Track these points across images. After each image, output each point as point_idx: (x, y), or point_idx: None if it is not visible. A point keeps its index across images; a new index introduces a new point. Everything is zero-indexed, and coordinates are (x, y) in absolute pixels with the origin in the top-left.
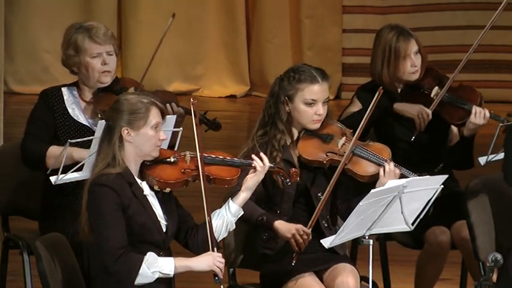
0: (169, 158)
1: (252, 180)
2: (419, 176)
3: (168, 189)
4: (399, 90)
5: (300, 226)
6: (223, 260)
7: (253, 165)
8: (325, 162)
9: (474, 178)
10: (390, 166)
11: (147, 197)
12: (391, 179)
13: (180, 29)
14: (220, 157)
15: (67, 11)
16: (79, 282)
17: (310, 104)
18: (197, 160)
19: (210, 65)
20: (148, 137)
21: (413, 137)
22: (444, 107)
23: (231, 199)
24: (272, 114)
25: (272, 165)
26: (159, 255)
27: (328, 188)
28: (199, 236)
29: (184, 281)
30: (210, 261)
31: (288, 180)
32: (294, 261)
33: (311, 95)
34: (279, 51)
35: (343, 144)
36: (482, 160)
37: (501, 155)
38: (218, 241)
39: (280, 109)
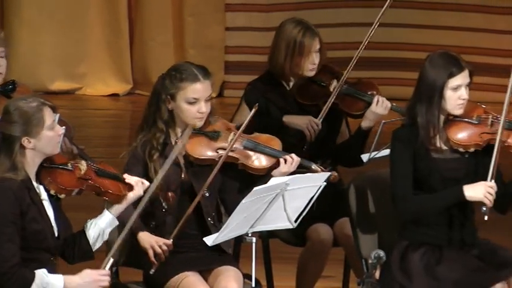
0: (66, 164)
1: (132, 194)
2: (318, 166)
3: (63, 195)
4: (291, 84)
5: (160, 239)
6: (107, 280)
7: (131, 183)
8: (217, 159)
9: (357, 175)
10: (288, 158)
11: (43, 201)
12: (291, 170)
13: (62, 27)
14: (113, 172)
15: None
16: None
17: (193, 102)
18: (92, 170)
19: (93, 63)
20: (48, 138)
21: (305, 147)
22: (343, 99)
23: (107, 209)
24: (153, 113)
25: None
26: (50, 260)
27: (204, 186)
28: (75, 247)
29: None
30: (96, 282)
31: (164, 203)
32: (153, 270)
33: (193, 94)
34: (162, 50)
35: (232, 139)
36: (364, 157)
37: (383, 152)
38: (94, 250)
39: (161, 108)
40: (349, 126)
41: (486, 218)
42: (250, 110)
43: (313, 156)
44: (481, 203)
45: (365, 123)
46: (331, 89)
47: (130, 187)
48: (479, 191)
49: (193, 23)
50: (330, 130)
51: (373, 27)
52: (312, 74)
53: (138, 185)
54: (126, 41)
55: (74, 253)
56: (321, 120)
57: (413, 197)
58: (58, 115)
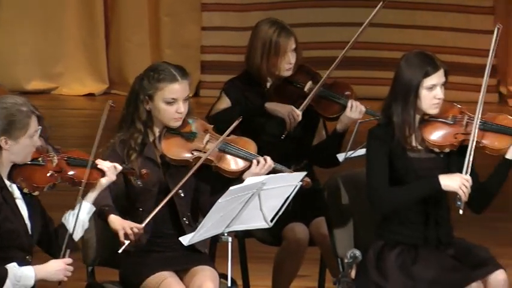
0: (37, 160)
1: (104, 180)
2: (292, 171)
3: (37, 192)
4: (268, 84)
5: (131, 222)
6: (71, 268)
7: (103, 169)
8: (191, 161)
9: (333, 175)
10: (261, 160)
11: (17, 200)
12: (263, 172)
13: (39, 27)
14: (85, 159)
15: None
16: None
17: (171, 102)
18: (63, 161)
19: (69, 63)
20: (25, 145)
21: (284, 136)
22: (319, 102)
23: (82, 198)
24: (131, 113)
25: (124, 166)
26: (25, 259)
27: (178, 184)
28: (59, 241)
29: None
30: (61, 271)
31: (138, 181)
32: (121, 250)
33: (171, 94)
34: (138, 50)
35: (208, 141)
36: (340, 157)
37: (359, 152)
38: (76, 241)
39: (139, 108)
40: (327, 126)
41: (461, 211)
42: (231, 102)
43: (289, 157)
44: (455, 196)
45: (340, 126)
46: (306, 90)
47: (103, 173)
48: (455, 182)
49: (169, 23)
50: (306, 131)
51: (362, 27)
52: (288, 73)
53: (111, 170)
54: (102, 40)
55: (58, 247)
56: (302, 112)
57: (388, 189)
58: (41, 128)
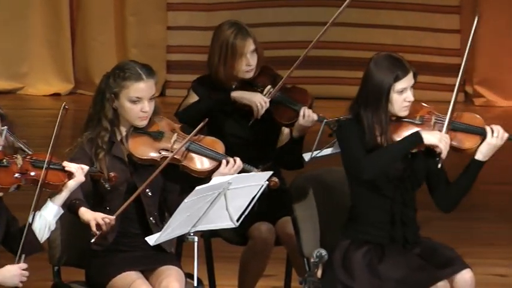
0: (2, 161)
1: (72, 182)
2: (261, 171)
3: (1, 194)
4: (234, 86)
5: (102, 214)
6: (27, 274)
7: (71, 170)
8: (158, 160)
9: (300, 174)
10: (230, 160)
11: None
12: (232, 173)
13: (4, 26)
14: (51, 161)
15: None
16: None
17: (135, 101)
18: (29, 163)
19: (35, 63)
20: None
21: (251, 122)
22: (275, 106)
23: (50, 200)
24: (98, 112)
25: (93, 169)
26: None
27: (145, 182)
28: (22, 241)
29: None
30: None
31: (107, 184)
32: (93, 240)
33: (136, 93)
34: (104, 49)
35: (175, 140)
36: (306, 156)
37: (325, 151)
38: (42, 242)
39: (105, 106)
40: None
41: (439, 165)
42: (199, 97)
43: (253, 159)
44: (434, 153)
45: (295, 134)
46: (265, 95)
47: (70, 175)
48: (436, 136)
49: (135, 22)
50: (269, 132)
51: (325, 28)
52: (248, 75)
53: (78, 171)
54: (68, 40)
55: (22, 247)
56: (269, 100)
57: (369, 155)
58: (6, 128)
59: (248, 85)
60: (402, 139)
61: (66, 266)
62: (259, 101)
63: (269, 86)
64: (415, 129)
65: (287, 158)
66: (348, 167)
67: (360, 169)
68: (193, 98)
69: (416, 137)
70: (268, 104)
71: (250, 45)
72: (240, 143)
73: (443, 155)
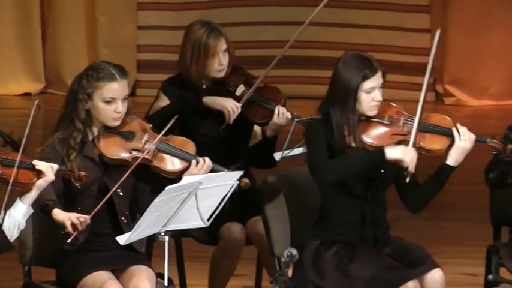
0: None
1: (42, 180)
2: (230, 171)
3: None
4: (204, 86)
5: (77, 214)
6: None
7: (41, 169)
8: (130, 160)
9: (270, 174)
10: (200, 160)
11: None
12: (202, 173)
13: None
14: (21, 160)
15: None
16: None
17: (109, 101)
18: None
19: (5, 63)
20: None
21: (222, 128)
22: (248, 106)
23: (20, 199)
24: (70, 112)
25: (62, 168)
26: None
27: (117, 184)
28: None
29: None
30: None
31: (77, 183)
32: (70, 240)
33: (109, 93)
34: (75, 49)
35: (147, 140)
36: (277, 156)
37: (296, 151)
38: (12, 241)
39: (78, 107)
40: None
41: (408, 179)
42: (170, 100)
43: (225, 158)
44: (402, 167)
45: (269, 133)
46: (237, 94)
47: (39, 173)
48: (400, 151)
49: (105, 22)
50: (241, 132)
51: (301, 27)
52: (220, 74)
53: (48, 170)
54: (39, 40)
55: None
56: (241, 105)
57: (330, 160)
58: None
59: (220, 85)
60: (366, 154)
61: (36, 266)
62: (231, 106)
63: (241, 85)
64: (383, 129)
65: (260, 157)
66: (309, 169)
67: (319, 173)
68: (163, 100)
69: (379, 154)
70: (240, 110)
71: (223, 45)
72: (212, 143)
73: (411, 169)
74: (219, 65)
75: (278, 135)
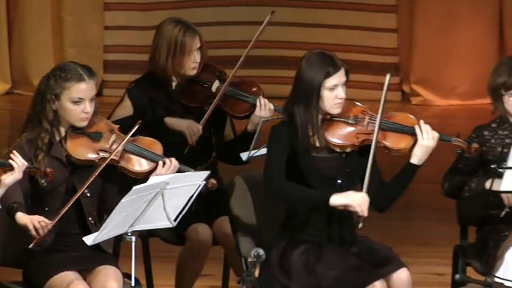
0: None
1: (9, 178)
2: (197, 171)
3: None
4: (174, 84)
5: (39, 216)
6: None
7: (11, 163)
8: (97, 161)
9: (236, 174)
10: (167, 161)
11: None
12: (168, 174)
13: None
14: None
15: None
16: None
17: (77, 102)
18: None
19: None
20: None
21: (186, 151)
22: (226, 101)
23: None
24: (38, 113)
25: (29, 165)
26: None
27: (84, 185)
28: None
29: None
30: None
31: (43, 180)
32: (32, 245)
33: (77, 93)
34: (41, 49)
35: (114, 141)
36: (244, 156)
37: (263, 150)
38: None
39: (46, 108)
40: (234, 127)
41: (360, 225)
42: (133, 107)
43: (196, 157)
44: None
45: (251, 127)
46: (213, 90)
47: (5, 171)
48: (347, 198)
49: (72, 22)
50: (213, 130)
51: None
52: (194, 72)
53: (20, 167)
54: (5, 40)
55: None
56: (202, 125)
57: (284, 180)
58: None
59: (193, 82)
60: (312, 194)
61: (3, 266)
62: (192, 129)
63: (217, 81)
64: (348, 128)
65: (235, 153)
66: (263, 174)
67: (266, 184)
68: (126, 105)
69: (322, 200)
70: (201, 131)
71: (198, 43)
72: (181, 142)
73: (360, 213)
74: (194, 62)
75: (257, 130)
